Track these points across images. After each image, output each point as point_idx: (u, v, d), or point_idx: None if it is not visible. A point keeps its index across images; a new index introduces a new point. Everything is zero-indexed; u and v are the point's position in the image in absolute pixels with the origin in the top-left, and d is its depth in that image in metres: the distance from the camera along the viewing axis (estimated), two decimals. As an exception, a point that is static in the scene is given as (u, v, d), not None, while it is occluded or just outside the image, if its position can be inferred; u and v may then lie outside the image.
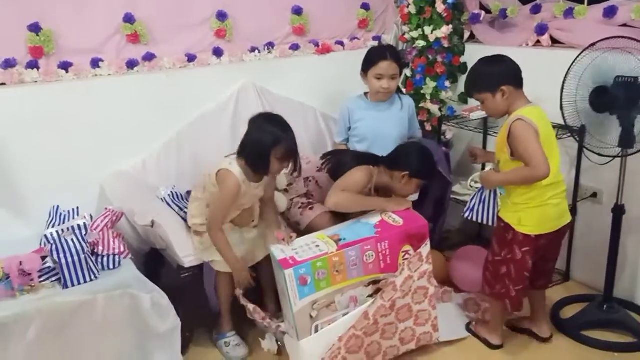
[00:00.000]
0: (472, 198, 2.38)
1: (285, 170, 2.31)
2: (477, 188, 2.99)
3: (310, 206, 2.57)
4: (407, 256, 2.22)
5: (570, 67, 2.28)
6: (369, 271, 2.18)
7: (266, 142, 2.13)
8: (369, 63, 2.69)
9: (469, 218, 2.38)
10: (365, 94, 2.82)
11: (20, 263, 1.97)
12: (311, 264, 2.06)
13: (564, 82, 2.29)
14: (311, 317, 2.11)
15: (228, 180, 2.17)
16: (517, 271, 2.19)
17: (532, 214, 2.13)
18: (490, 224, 2.32)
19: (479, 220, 2.37)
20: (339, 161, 2.53)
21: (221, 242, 2.22)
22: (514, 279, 2.20)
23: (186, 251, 2.27)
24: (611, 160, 2.34)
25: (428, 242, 2.26)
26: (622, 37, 2.17)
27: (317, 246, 2.15)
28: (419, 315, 2.25)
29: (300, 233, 2.40)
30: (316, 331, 2.13)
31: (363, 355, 2.18)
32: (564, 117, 2.32)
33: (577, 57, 2.26)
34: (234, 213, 2.30)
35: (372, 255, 2.17)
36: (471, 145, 2.44)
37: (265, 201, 2.41)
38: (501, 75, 2.12)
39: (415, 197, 2.91)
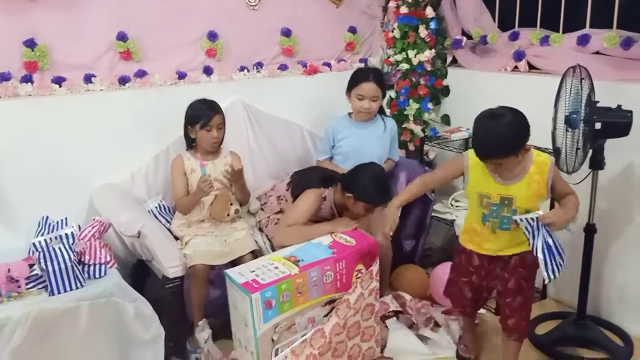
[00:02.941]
0: (546, 261, 1.95)
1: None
2: (457, 207, 3.10)
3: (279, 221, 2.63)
4: (359, 275, 2.27)
5: (559, 92, 2.30)
6: (327, 291, 2.21)
7: (185, 123, 2.62)
8: (352, 83, 2.80)
9: (555, 278, 1.97)
10: (350, 113, 2.91)
11: (9, 270, 2.02)
12: (276, 287, 2.06)
13: (556, 107, 2.29)
14: (272, 340, 2.10)
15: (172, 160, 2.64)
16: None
17: None
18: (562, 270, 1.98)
19: (559, 274, 1.97)
20: (298, 182, 2.62)
21: (186, 199, 2.54)
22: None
23: (171, 262, 2.32)
24: (583, 180, 2.43)
25: (378, 260, 2.31)
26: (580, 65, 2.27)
27: (276, 268, 2.15)
28: (365, 331, 2.30)
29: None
30: (276, 354, 2.12)
31: None
32: (554, 140, 2.31)
33: (562, 83, 2.29)
34: (199, 195, 2.50)
35: (331, 275, 2.21)
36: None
37: None
38: (526, 135, 1.97)
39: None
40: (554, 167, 2.05)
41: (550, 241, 1.97)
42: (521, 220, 1.98)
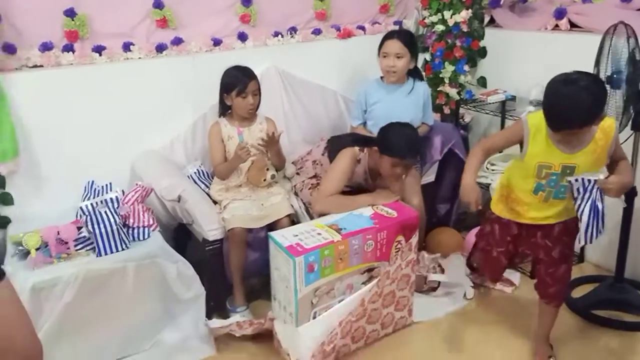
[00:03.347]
0: (588, 224, 1.87)
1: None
2: (493, 170, 3.06)
3: (319, 187, 2.65)
4: (399, 246, 2.31)
5: (601, 51, 2.24)
6: (367, 259, 2.27)
7: (220, 90, 2.64)
8: (380, 45, 2.80)
9: (589, 243, 1.93)
10: (382, 77, 2.90)
11: (58, 232, 2.13)
12: (319, 252, 2.12)
13: (598, 66, 2.23)
14: (312, 303, 2.17)
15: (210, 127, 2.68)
16: None
17: None
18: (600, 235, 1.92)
19: (595, 239, 1.90)
20: (334, 145, 2.64)
21: (224, 165, 2.59)
22: None
23: (211, 225, 2.40)
24: (625, 141, 2.37)
25: (417, 233, 2.35)
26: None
27: (319, 234, 2.20)
28: (399, 301, 2.35)
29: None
30: (314, 317, 2.19)
31: (349, 340, 2.25)
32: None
33: (604, 41, 2.22)
34: (237, 162, 2.53)
35: (372, 245, 2.26)
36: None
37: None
38: (605, 102, 1.84)
39: (431, 178, 2.99)
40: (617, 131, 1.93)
41: (599, 205, 1.85)
42: (576, 180, 1.85)
